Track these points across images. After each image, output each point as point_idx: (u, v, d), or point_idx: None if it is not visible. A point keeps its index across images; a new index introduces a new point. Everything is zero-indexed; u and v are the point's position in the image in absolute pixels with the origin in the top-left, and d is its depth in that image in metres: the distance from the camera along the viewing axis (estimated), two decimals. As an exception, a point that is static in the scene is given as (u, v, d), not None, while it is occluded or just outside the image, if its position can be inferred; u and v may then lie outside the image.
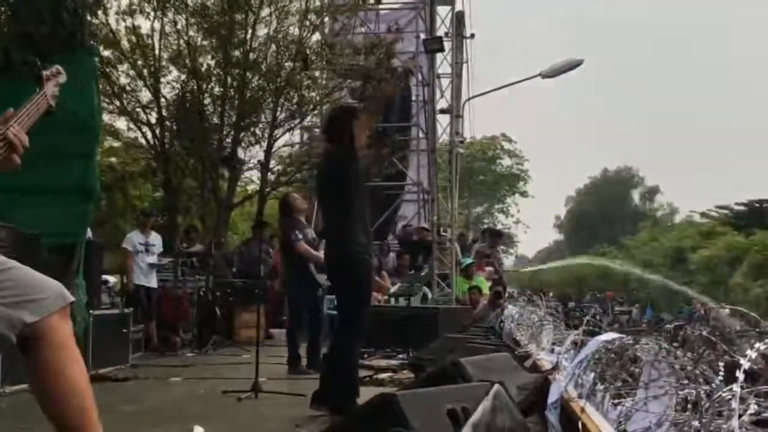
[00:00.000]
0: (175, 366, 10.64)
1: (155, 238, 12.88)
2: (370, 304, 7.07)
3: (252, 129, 18.44)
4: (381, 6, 21.86)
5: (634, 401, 3.78)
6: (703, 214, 71.33)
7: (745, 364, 2.58)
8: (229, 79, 17.98)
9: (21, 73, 9.02)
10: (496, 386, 3.99)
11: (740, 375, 2.55)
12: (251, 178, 21.79)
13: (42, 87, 3.26)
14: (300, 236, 10.18)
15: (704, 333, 4.91)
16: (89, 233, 11.89)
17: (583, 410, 3.81)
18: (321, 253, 10.12)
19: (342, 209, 6.82)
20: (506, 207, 70.07)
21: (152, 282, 12.69)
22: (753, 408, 2.61)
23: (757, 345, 2.68)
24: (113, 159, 20.75)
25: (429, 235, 18.13)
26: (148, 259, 12.59)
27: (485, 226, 30.79)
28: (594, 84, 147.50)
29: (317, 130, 20.84)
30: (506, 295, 15.26)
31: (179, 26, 18.07)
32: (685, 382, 3.47)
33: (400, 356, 10.88)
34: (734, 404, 2.52)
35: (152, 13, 17.66)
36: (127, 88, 18.08)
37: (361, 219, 6.88)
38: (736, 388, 2.56)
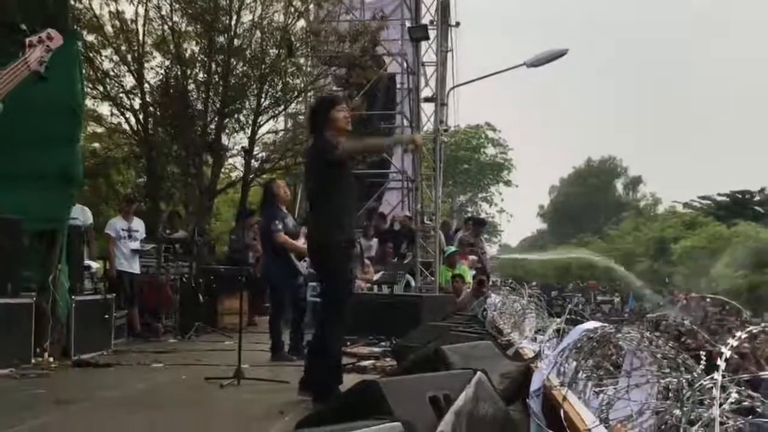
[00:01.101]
0: (158, 352, 10.63)
1: (138, 224, 12.82)
2: (353, 293, 7.06)
3: (236, 115, 18.44)
4: (366, -7, 21.85)
5: (616, 389, 3.79)
6: (685, 205, 71.78)
7: (727, 352, 2.59)
8: (213, 66, 17.96)
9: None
10: (479, 374, 4.00)
11: (722, 364, 2.56)
12: (235, 164, 21.76)
13: (24, 53, 3.16)
14: (280, 226, 10.17)
15: (686, 322, 4.93)
16: (90, 217, 11.93)
17: (564, 398, 3.82)
18: (301, 242, 10.13)
19: (325, 199, 6.83)
20: (490, 196, 70.38)
21: (135, 268, 12.63)
22: (734, 396, 2.62)
23: (738, 333, 2.69)
24: (96, 144, 20.65)
25: (412, 223, 18.16)
26: (130, 245, 12.53)
27: (467, 215, 30.79)
28: (578, 74, 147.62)
29: (301, 117, 20.84)
30: (489, 283, 15.28)
31: (163, 11, 18.04)
32: (667, 370, 3.48)
33: (383, 344, 10.88)
34: (715, 392, 2.54)
35: (137, -2, 17.60)
36: (111, 73, 18.01)
37: (345, 208, 6.90)
38: (717, 376, 2.57)
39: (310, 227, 7.22)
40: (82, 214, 11.97)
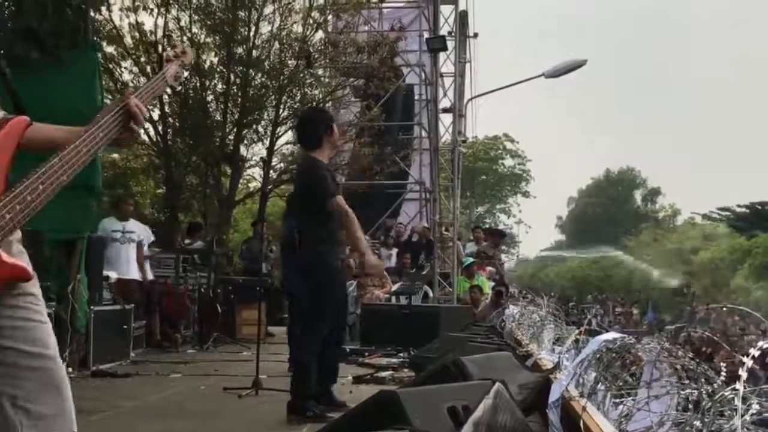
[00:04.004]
0: (176, 362, 10.65)
1: (133, 225, 12.26)
2: (329, 313, 7.00)
3: (254, 126, 18.45)
4: (384, 4, 21.90)
5: (635, 401, 3.78)
6: (704, 216, 71.42)
7: (749, 362, 2.57)
8: (231, 77, 17.99)
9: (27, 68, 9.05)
10: (497, 385, 3.98)
11: (743, 374, 2.54)
12: (253, 175, 21.80)
13: (162, 67, 3.23)
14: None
15: (706, 333, 4.91)
16: (121, 227, 11.80)
17: (584, 409, 3.80)
18: None
19: (320, 219, 6.89)
20: (508, 207, 70.27)
21: (132, 274, 11.98)
22: (755, 407, 2.60)
23: (760, 343, 2.67)
24: (115, 155, 20.71)
25: (430, 234, 18.15)
26: (127, 248, 12.04)
27: (473, 225, 30.67)
28: (597, 84, 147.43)
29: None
30: (508, 294, 15.26)
31: (183, 23, 18.08)
32: (687, 381, 3.47)
33: (401, 355, 10.87)
34: (737, 403, 2.52)
35: (156, 10, 17.65)
36: (130, 84, 18.06)
37: (330, 228, 6.95)
38: (739, 386, 2.55)
39: (302, 245, 7.12)
40: (140, 230, 12.13)
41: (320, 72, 19.23)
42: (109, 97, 16.43)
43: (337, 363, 7.32)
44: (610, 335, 4.59)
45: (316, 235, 6.85)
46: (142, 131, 18.42)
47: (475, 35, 24.23)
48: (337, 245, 7.02)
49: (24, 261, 2.54)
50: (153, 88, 3.07)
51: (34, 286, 2.59)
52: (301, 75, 18.05)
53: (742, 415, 2.54)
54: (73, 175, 2.53)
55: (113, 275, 11.42)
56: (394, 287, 14.91)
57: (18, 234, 2.51)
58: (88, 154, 2.58)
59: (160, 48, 17.89)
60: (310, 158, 7.22)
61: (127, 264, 11.84)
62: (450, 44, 20.11)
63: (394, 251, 17.52)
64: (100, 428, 6.31)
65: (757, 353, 2.63)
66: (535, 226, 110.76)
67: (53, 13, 9.36)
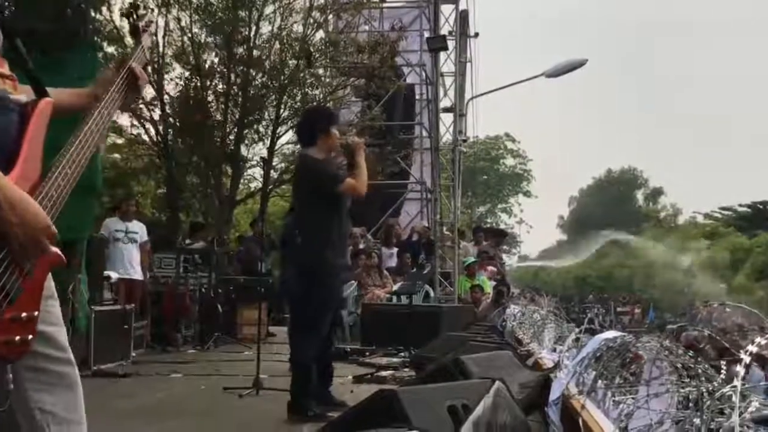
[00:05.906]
0: (177, 362, 10.64)
1: (136, 226, 12.33)
2: (330, 313, 7.01)
3: (255, 126, 18.43)
4: (385, 4, 21.88)
5: (635, 399, 3.77)
6: (706, 216, 71.41)
7: (746, 358, 2.57)
8: (232, 77, 17.96)
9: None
10: (497, 383, 3.98)
11: (741, 370, 2.53)
12: (254, 175, 21.76)
13: (139, 40, 3.22)
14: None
15: (707, 332, 4.90)
16: (124, 228, 11.81)
17: (583, 407, 3.80)
18: None
19: (319, 219, 6.85)
20: (509, 207, 70.24)
21: (134, 273, 12.08)
22: (754, 405, 2.60)
23: (757, 339, 2.66)
24: (116, 155, 20.69)
25: (431, 234, 18.13)
26: (130, 248, 12.04)
27: (474, 225, 30.69)
28: (598, 84, 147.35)
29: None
30: (509, 294, 15.25)
31: (183, 23, 18.05)
32: (687, 380, 3.46)
33: (402, 354, 10.86)
34: (735, 399, 2.51)
35: (156, 10, 17.61)
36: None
37: (337, 231, 6.96)
38: (737, 383, 2.54)
39: (302, 244, 7.11)
40: (142, 230, 12.16)
41: (321, 72, 19.18)
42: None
43: (332, 364, 7.33)
44: (611, 334, 4.59)
45: (316, 235, 6.83)
46: (142, 131, 18.46)
47: (476, 35, 24.11)
48: (336, 245, 6.99)
49: None
50: (139, 60, 3.05)
51: (53, 289, 2.59)
52: (302, 75, 18.03)
53: (741, 413, 2.53)
54: (89, 156, 2.58)
55: (114, 275, 11.46)
56: (395, 287, 14.89)
57: None
58: (99, 132, 2.64)
59: (160, 48, 17.89)
60: (302, 155, 7.22)
61: (129, 264, 11.95)
62: (450, 44, 20.07)
63: (395, 251, 17.49)
64: (99, 428, 6.29)
65: (754, 350, 2.62)
66: (536, 226, 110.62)
67: (53, 13, 9.35)
